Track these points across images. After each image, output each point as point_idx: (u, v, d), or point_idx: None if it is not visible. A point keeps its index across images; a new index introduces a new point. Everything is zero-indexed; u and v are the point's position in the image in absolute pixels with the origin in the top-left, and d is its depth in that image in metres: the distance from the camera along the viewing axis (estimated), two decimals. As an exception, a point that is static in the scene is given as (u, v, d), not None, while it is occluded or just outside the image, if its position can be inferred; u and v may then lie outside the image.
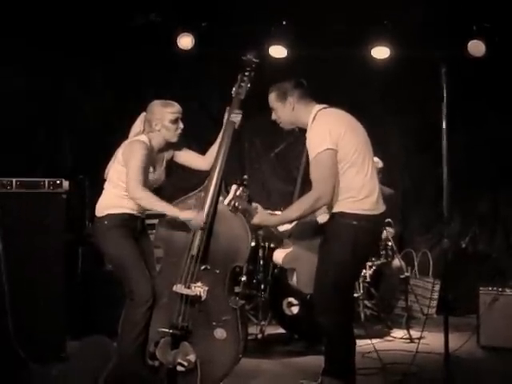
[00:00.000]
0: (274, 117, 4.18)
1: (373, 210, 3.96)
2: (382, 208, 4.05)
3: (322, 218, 4.12)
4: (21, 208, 4.87)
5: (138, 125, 4.27)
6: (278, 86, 4.13)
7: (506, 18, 6.09)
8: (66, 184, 4.99)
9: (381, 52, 6.62)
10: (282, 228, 5.32)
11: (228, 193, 4.17)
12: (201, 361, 4.05)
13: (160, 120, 4.17)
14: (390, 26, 6.41)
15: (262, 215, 4.04)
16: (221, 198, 4.13)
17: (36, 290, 4.86)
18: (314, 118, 4.02)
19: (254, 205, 4.09)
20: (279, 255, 5.48)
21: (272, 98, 4.14)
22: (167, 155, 4.35)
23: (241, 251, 4.14)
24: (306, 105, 4.08)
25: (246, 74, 4.29)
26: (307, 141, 3.97)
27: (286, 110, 4.09)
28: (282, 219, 4.13)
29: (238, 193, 3.93)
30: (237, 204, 3.92)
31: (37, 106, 6.21)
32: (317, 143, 3.89)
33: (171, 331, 4.06)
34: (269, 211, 5.81)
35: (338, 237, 3.95)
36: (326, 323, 3.96)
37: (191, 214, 4.04)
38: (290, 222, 4.25)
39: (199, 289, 4.05)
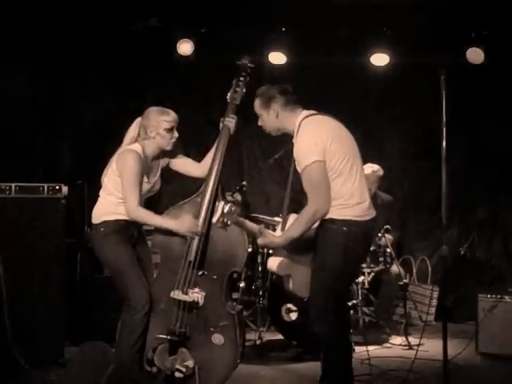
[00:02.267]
0: (260, 123, 4.16)
1: (363, 216, 3.95)
2: (372, 213, 4.03)
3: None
4: (20, 213, 4.87)
5: (132, 129, 4.25)
6: (262, 93, 4.10)
7: (505, 26, 6.10)
8: (65, 189, 5.00)
9: (380, 59, 6.64)
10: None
11: (225, 198, 4.18)
12: (199, 366, 4.04)
13: (155, 127, 4.16)
14: (389, 33, 6.42)
15: (266, 238, 4.03)
16: (218, 203, 4.12)
17: (35, 295, 4.86)
18: (299, 126, 3.99)
19: (258, 226, 4.08)
20: (273, 263, 5.47)
21: (256, 104, 4.12)
22: (162, 163, 4.34)
23: (238, 256, 4.13)
24: (291, 112, 4.05)
25: (241, 78, 4.27)
26: (294, 152, 3.95)
27: (270, 117, 4.06)
28: (287, 239, 4.02)
29: (225, 210, 3.90)
30: (225, 220, 3.90)
31: (36, 110, 6.21)
32: (304, 156, 3.87)
33: (169, 337, 4.05)
34: (267, 217, 5.83)
35: (328, 243, 3.94)
36: (321, 329, 3.95)
37: (185, 224, 4.04)
38: (296, 238, 4.18)
39: (196, 294, 4.04)
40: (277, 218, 5.53)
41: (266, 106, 4.06)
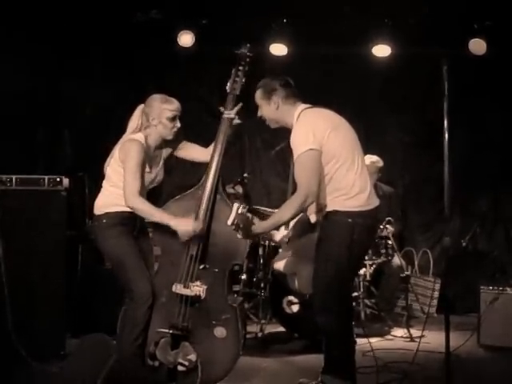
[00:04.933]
0: (259, 114, 4.16)
1: (366, 206, 3.95)
2: (375, 203, 4.03)
3: (314, 217, 4.12)
4: (21, 205, 4.86)
5: (135, 117, 4.19)
6: (265, 83, 4.11)
7: (507, 16, 6.07)
8: (65, 181, 4.99)
9: (382, 50, 6.61)
10: (278, 237, 5.30)
11: (225, 189, 4.15)
12: (201, 360, 4.03)
13: (158, 116, 4.12)
14: (391, 23, 6.40)
15: (253, 224, 3.98)
16: (219, 197, 4.10)
17: (36, 287, 4.86)
18: (298, 117, 4.01)
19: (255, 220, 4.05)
20: (280, 264, 5.47)
21: (257, 94, 4.12)
22: (165, 153, 4.30)
23: (239, 249, 4.12)
24: (291, 105, 4.07)
25: (240, 68, 4.23)
26: (291, 141, 3.95)
27: (271, 108, 4.08)
28: (274, 223, 4.03)
29: (239, 211, 3.87)
30: (239, 222, 3.87)
31: (37, 103, 6.20)
32: (300, 144, 3.88)
33: (171, 331, 4.03)
34: (269, 209, 5.81)
35: (333, 235, 3.94)
36: (324, 322, 3.95)
37: (184, 224, 4.00)
38: (281, 225, 4.21)
39: (198, 288, 4.02)
40: (277, 211, 5.50)
41: (267, 97, 4.07)
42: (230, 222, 3.88)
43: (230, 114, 4.21)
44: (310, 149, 3.84)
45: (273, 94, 4.06)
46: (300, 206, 3.88)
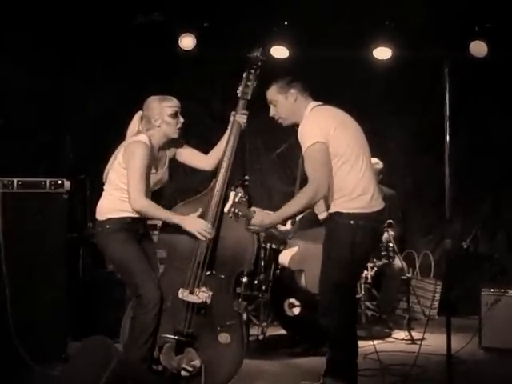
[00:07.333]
0: (272, 113, 4.15)
1: (368, 208, 3.95)
2: (379, 205, 4.03)
3: (323, 215, 4.12)
4: (22, 208, 4.87)
5: (134, 124, 4.19)
6: (278, 80, 4.12)
7: (508, 18, 6.08)
8: (67, 184, 5.00)
9: (382, 53, 6.61)
10: (281, 228, 5.27)
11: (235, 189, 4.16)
12: (205, 366, 4.02)
13: (159, 115, 4.11)
14: (392, 26, 6.40)
15: (260, 215, 3.98)
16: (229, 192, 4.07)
17: (37, 290, 4.86)
18: (309, 113, 4.04)
19: (253, 208, 4.04)
20: (285, 257, 5.46)
21: (273, 91, 4.11)
22: (169, 154, 4.29)
23: (247, 257, 4.11)
24: (306, 98, 4.10)
25: (252, 71, 4.22)
26: (298, 136, 3.96)
27: (288, 101, 4.08)
28: (281, 215, 4.01)
29: (236, 199, 3.88)
30: (237, 211, 3.88)
31: (38, 105, 6.20)
32: (307, 137, 3.89)
33: (177, 338, 4.01)
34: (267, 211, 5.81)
35: (336, 237, 3.94)
36: (328, 324, 3.95)
37: (193, 223, 4.00)
38: (290, 217, 4.20)
39: (204, 294, 4.01)
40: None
41: (284, 89, 4.08)
42: (226, 210, 3.89)
43: (240, 118, 4.19)
44: (317, 141, 3.86)
45: (291, 87, 4.07)
46: (309, 201, 3.88)
